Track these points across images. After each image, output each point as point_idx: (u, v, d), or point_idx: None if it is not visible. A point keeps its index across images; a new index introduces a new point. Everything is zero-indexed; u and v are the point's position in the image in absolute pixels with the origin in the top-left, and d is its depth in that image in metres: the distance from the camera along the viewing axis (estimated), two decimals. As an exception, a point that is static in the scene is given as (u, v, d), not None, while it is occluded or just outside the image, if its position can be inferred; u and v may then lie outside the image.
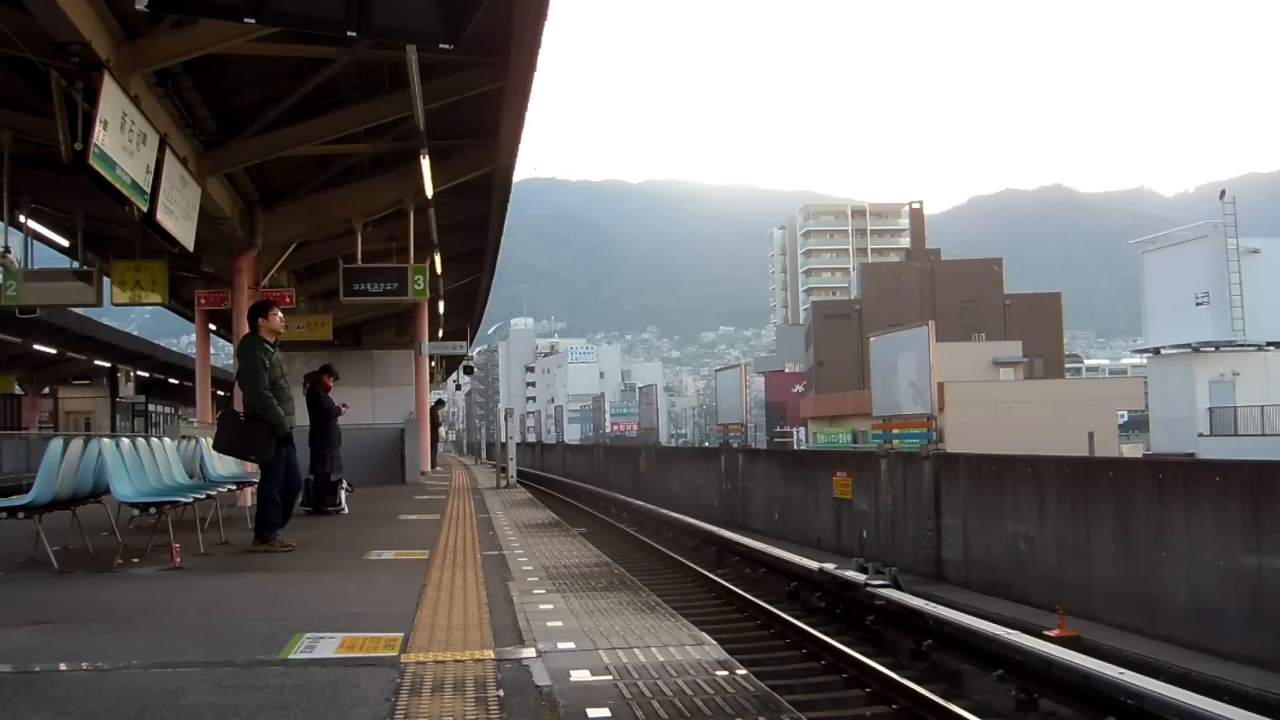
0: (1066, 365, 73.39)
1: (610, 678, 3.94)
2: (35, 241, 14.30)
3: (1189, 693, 6.84)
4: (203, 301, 15.87)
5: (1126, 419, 56.35)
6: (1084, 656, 7.84)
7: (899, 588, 10.91)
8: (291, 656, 4.24)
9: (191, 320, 18.98)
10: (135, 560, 7.28)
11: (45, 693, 3.70)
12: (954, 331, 55.36)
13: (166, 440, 9.23)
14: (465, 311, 29.93)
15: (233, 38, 8.52)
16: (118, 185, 7.57)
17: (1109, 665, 7.56)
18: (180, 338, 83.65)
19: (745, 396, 27.35)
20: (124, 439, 7.91)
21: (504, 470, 18.57)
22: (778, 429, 72.53)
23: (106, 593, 6.21)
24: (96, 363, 34.80)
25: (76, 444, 7.16)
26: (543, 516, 11.70)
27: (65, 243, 14.49)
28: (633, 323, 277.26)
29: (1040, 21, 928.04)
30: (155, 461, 8.12)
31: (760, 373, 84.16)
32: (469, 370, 54.56)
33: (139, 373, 37.68)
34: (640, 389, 77.82)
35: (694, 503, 24.92)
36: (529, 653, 4.33)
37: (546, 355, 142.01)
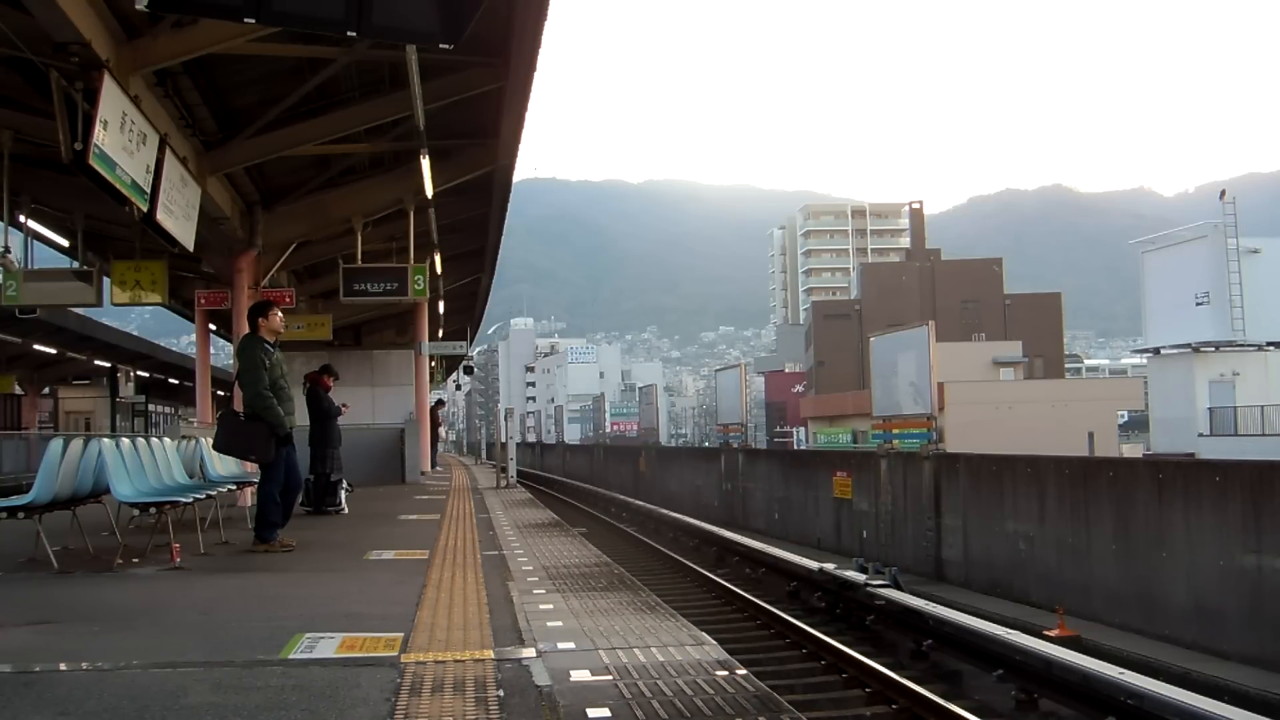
0: (1066, 365, 73.40)
1: (610, 678, 3.94)
2: (35, 241, 14.31)
3: (1189, 693, 6.84)
4: (203, 301, 15.87)
5: (1126, 419, 56.35)
6: (1084, 656, 7.84)
7: (899, 588, 10.91)
8: (291, 656, 4.24)
9: (191, 320, 18.98)
10: (135, 560, 7.28)
11: (45, 693, 3.70)
12: (954, 331, 55.36)
13: (166, 440, 9.23)
14: (465, 311, 29.93)
15: (233, 38, 8.52)
16: (118, 185, 7.57)
17: (1109, 665, 7.56)
18: (180, 338, 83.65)
19: (745, 396, 27.35)
20: (124, 439, 7.91)
21: (504, 470, 18.57)
22: (778, 429, 72.53)
23: (106, 593, 6.21)
24: (96, 363, 34.80)
25: (76, 444, 7.16)
26: (543, 516, 11.70)
27: (65, 243, 14.49)
28: (633, 323, 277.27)
29: (1040, 21, 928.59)
30: (155, 461, 8.12)
31: (760, 373, 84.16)
32: (469, 370, 54.55)
33: (139, 373, 37.69)
34: (640, 389, 77.82)
35: (694, 503, 24.92)
36: (529, 653, 4.33)
37: (546, 355, 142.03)
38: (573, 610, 5.39)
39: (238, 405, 8.36)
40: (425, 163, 11.98)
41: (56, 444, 6.94)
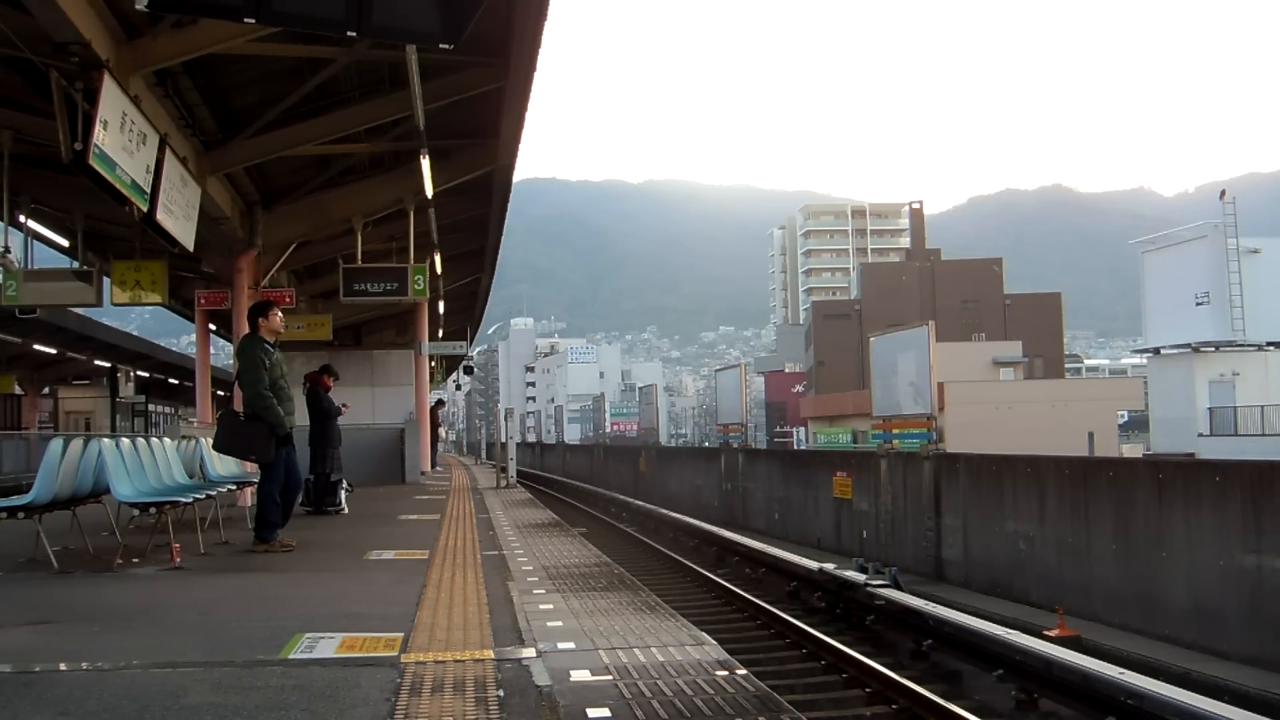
0: (1066, 365, 73.40)
1: (610, 678, 3.94)
2: (35, 241, 14.31)
3: (1189, 693, 6.84)
4: (203, 301, 15.87)
5: (1126, 419, 56.35)
6: (1084, 656, 7.84)
7: (899, 588, 10.90)
8: (291, 656, 4.24)
9: (191, 320, 18.98)
10: (135, 560, 7.28)
11: (45, 693, 3.70)
12: (954, 331, 55.36)
13: (166, 440, 9.23)
14: (465, 311, 29.93)
15: (233, 38, 8.52)
16: (118, 185, 7.58)
17: (1109, 665, 7.56)
18: (180, 338, 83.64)
19: (745, 396, 27.35)
20: (124, 439, 7.91)
21: (504, 470, 18.57)
22: (778, 429, 72.53)
23: (106, 593, 6.21)
24: (96, 363, 34.80)
25: (76, 444, 7.16)
26: (543, 516, 11.70)
27: (65, 243, 14.49)
28: (633, 323, 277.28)
29: (1040, 21, 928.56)
30: (155, 461, 8.12)
31: (760, 373, 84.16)
32: (469, 370, 54.55)
33: (139, 373, 37.68)
34: (640, 389, 77.79)
35: (694, 503, 24.92)
36: (529, 653, 4.33)
37: (546, 355, 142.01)
38: (573, 610, 5.39)
39: (238, 405, 8.36)
40: (425, 163, 11.98)
41: (56, 444, 6.94)
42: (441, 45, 4.65)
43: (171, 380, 41.18)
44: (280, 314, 8.46)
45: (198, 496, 7.91)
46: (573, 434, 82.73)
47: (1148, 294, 35.63)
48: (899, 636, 10.17)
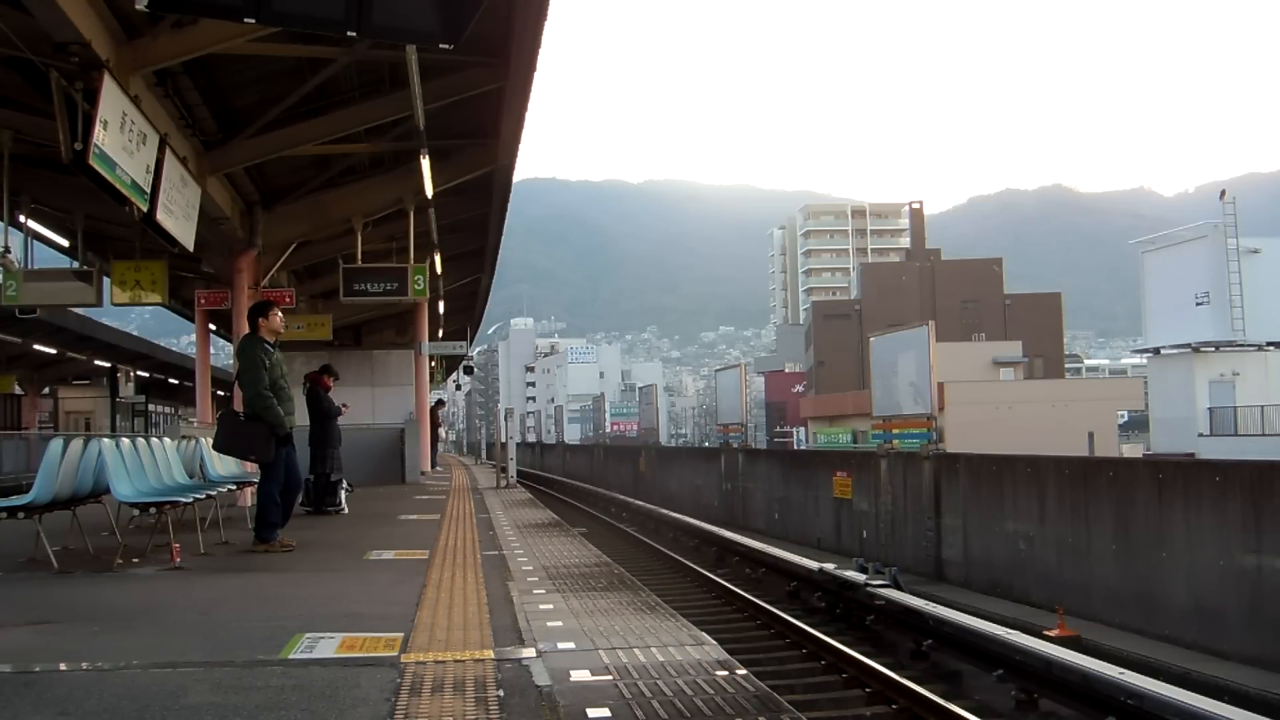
0: (1066, 365, 73.40)
1: (610, 678, 3.94)
2: (35, 241, 14.30)
3: (1189, 693, 6.84)
4: (203, 301, 15.87)
5: (1126, 419, 56.35)
6: (1084, 656, 7.84)
7: (899, 588, 10.90)
8: (291, 656, 4.24)
9: (191, 320, 18.98)
10: (135, 560, 7.28)
11: (45, 693, 3.70)
12: (954, 331, 55.36)
13: (166, 440, 9.23)
14: (465, 311, 29.93)
15: (233, 38, 8.52)
16: (118, 185, 7.57)
17: (1109, 665, 7.56)
18: (180, 338, 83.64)
19: (745, 396, 27.35)
20: (124, 439, 7.91)
21: (504, 470, 18.57)
22: (778, 429, 72.53)
23: (106, 593, 6.21)
24: (96, 363, 34.80)
25: (76, 444, 7.16)
26: (543, 516, 11.70)
27: (65, 243, 14.49)
28: (633, 323, 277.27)
29: (1040, 21, 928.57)
30: (155, 461, 8.12)
31: (760, 373, 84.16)
32: (469, 370, 54.55)
33: (139, 373, 37.68)
34: (640, 389, 77.80)
35: (694, 503, 24.92)
36: (529, 653, 4.33)
37: (546, 355, 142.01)
38: (573, 610, 5.39)
39: (238, 405, 8.36)
40: (425, 163, 11.98)
41: (56, 444, 6.94)
42: (441, 45, 4.65)
43: (171, 380, 41.18)
44: (280, 314, 8.46)
45: (198, 496, 7.91)
46: (573, 434, 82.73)
47: (1148, 294, 35.63)
48: (899, 636, 10.17)
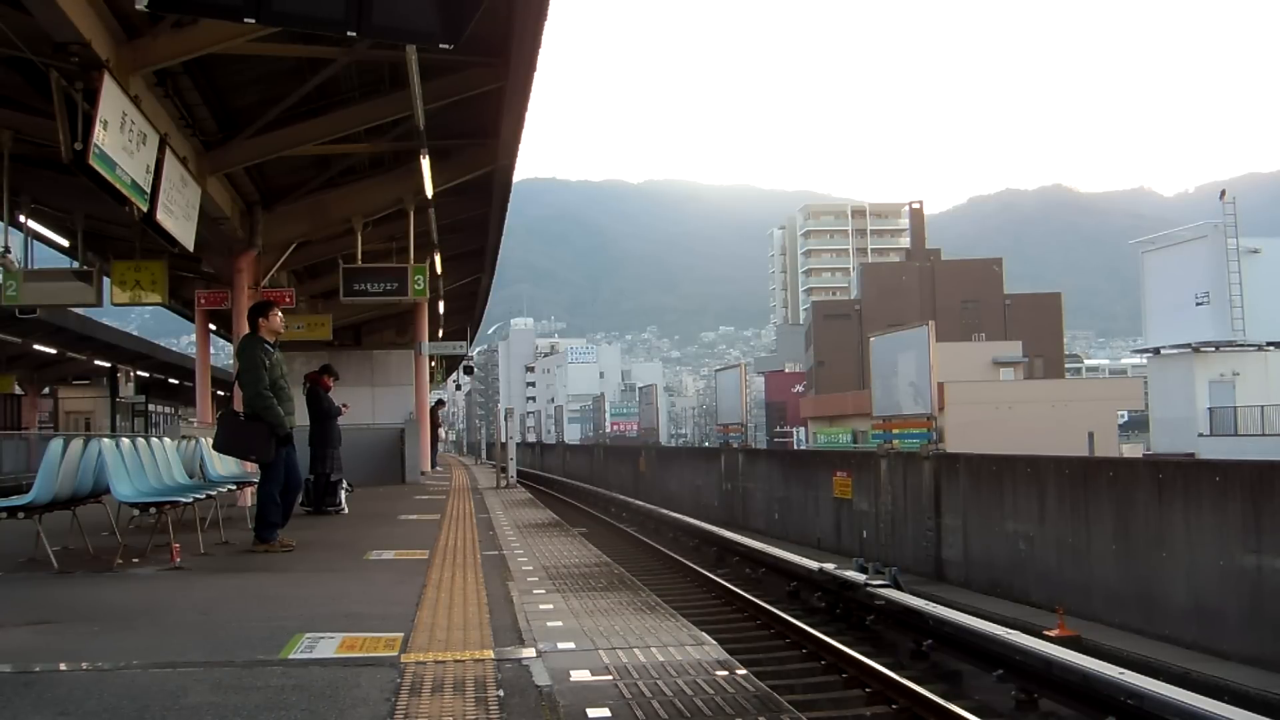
0: (1066, 365, 73.40)
1: (610, 678, 3.94)
2: (35, 241, 14.31)
3: (1189, 693, 6.84)
4: (203, 301, 15.87)
5: (1126, 419, 56.36)
6: (1084, 656, 7.84)
7: (899, 588, 10.90)
8: (291, 656, 4.24)
9: (191, 320, 18.98)
10: (135, 560, 7.28)
11: (45, 693, 3.70)
12: (954, 331, 55.37)
13: (166, 440, 9.23)
14: (465, 311, 29.93)
15: (233, 38, 8.52)
16: (118, 185, 7.57)
17: (1109, 665, 7.56)
18: (180, 338, 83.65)
19: (745, 396, 27.35)
20: (124, 439, 7.91)
21: (504, 470, 18.57)
22: (778, 429, 72.53)
23: (106, 593, 6.21)
24: (96, 363, 34.80)
25: (76, 444, 7.16)
26: (543, 516, 11.70)
27: (65, 243, 14.49)
28: (633, 323, 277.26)
29: (1040, 21, 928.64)
30: (155, 461, 8.12)
31: (760, 373, 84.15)
32: (469, 370, 54.55)
33: (139, 373, 37.68)
34: (640, 389, 77.79)
35: (694, 503, 24.91)
36: (529, 653, 4.33)
37: (546, 355, 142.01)
38: (573, 610, 5.39)
39: (238, 405, 8.36)
40: (425, 163, 11.98)
41: (56, 444, 6.94)
42: (441, 45, 4.65)
43: (171, 380, 41.18)
44: (280, 314, 8.46)
45: (198, 496, 7.91)
46: (573, 434, 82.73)
47: (1148, 294, 35.63)
48: (899, 636, 10.17)
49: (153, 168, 8.42)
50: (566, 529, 10.27)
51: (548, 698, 3.64)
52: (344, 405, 12.64)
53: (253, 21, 4.84)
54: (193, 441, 9.87)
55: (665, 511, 22.49)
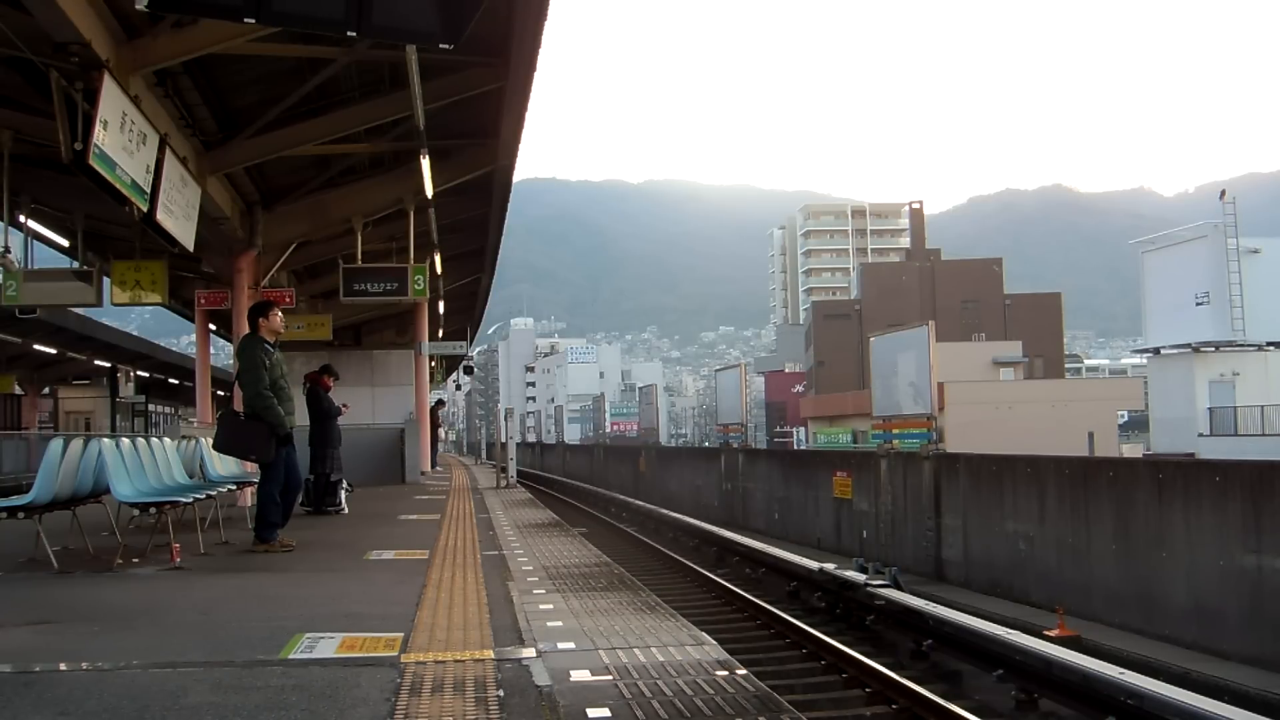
0: (1066, 365, 73.40)
1: (610, 678, 3.94)
2: (35, 241, 14.31)
3: (1189, 693, 6.84)
4: (203, 301, 15.87)
5: (1126, 419, 56.36)
6: (1084, 656, 7.84)
7: (899, 588, 10.90)
8: (291, 656, 4.24)
9: (191, 320, 18.98)
10: (135, 560, 7.28)
11: (45, 693, 3.70)
12: (954, 331, 55.37)
13: (166, 440, 9.23)
14: (465, 311, 29.93)
15: (233, 38, 8.52)
16: (118, 185, 7.57)
17: (1109, 665, 7.56)
18: (180, 338, 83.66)
19: (745, 396, 27.35)
20: (124, 439, 7.91)
21: (504, 470, 18.58)
22: (778, 429, 72.53)
23: (106, 593, 6.21)
24: (96, 363, 34.80)
25: (76, 444, 7.15)
26: (543, 516, 11.70)
27: (65, 243, 14.49)
28: (633, 323, 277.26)
29: (1040, 21, 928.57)
30: (155, 461, 8.12)
31: (760, 373, 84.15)
32: (469, 370, 54.56)
33: (139, 373, 37.68)
34: (640, 389, 77.80)
35: (694, 503, 24.91)
36: (529, 653, 4.33)
37: (546, 355, 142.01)
38: (573, 610, 5.39)
39: (238, 405, 8.36)
40: (425, 163, 11.98)
41: (56, 444, 6.94)
42: (441, 45, 4.65)
43: (171, 380, 41.18)
44: (280, 314, 8.47)
45: (198, 496, 7.91)
46: (573, 434, 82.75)
47: (1148, 294, 35.63)
48: (899, 636, 10.17)
49: (153, 168, 8.42)
50: (566, 529, 10.27)
51: (548, 698, 3.64)
52: (344, 405, 12.64)
53: (253, 21, 4.84)
54: (193, 441, 9.87)
55: (665, 511, 22.49)
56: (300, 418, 9.22)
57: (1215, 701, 6.68)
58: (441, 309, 23.79)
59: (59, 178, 10.74)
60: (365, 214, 14.59)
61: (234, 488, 10.38)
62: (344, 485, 11.91)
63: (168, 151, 8.82)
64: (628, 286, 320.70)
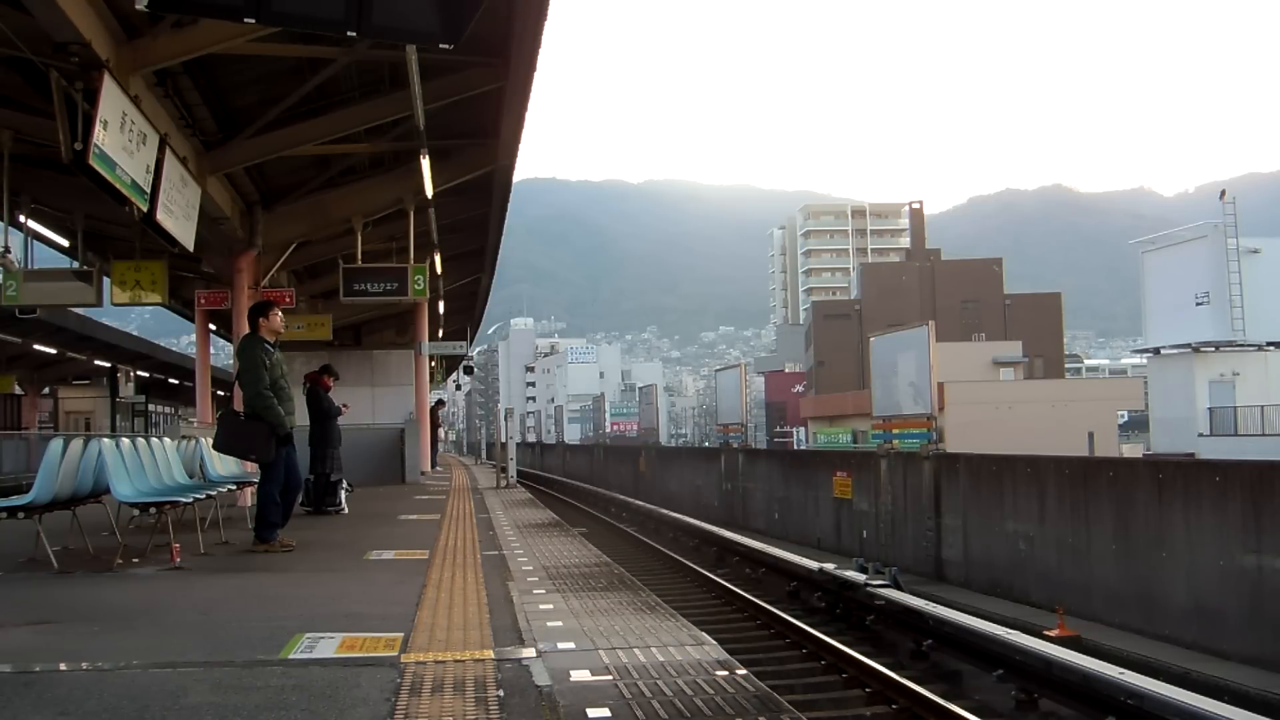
0: (1066, 365, 73.39)
1: (610, 678, 3.94)
2: (35, 241, 14.31)
3: (1189, 693, 6.84)
4: (203, 301, 15.87)
5: (1126, 419, 56.36)
6: (1084, 656, 7.84)
7: (899, 588, 10.90)
8: (291, 656, 4.24)
9: (191, 320, 18.98)
10: (135, 560, 7.28)
11: (45, 693, 3.70)
12: (954, 331, 55.37)
13: (166, 440, 9.23)
14: (465, 311, 29.93)
15: (233, 38, 8.52)
16: (118, 185, 7.57)
17: (1109, 665, 7.56)
18: (180, 338, 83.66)
19: (745, 396, 27.35)
20: (124, 439, 7.91)
21: (504, 470, 18.58)
22: (778, 429, 72.53)
23: (106, 593, 6.21)
24: (96, 363, 34.80)
25: (76, 444, 7.15)
26: (543, 516, 11.70)
27: (65, 243, 14.49)
28: (633, 323, 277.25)
29: (1040, 21, 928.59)
30: (155, 461, 8.12)
31: (760, 373, 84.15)
32: (469, 370, 54.56)
33: (139, 373, 37.68)
34: (640, 389, 77.80)
35: (694, 503, 24.91)
36: (529, 653, 4.33)
37: (546, 355, 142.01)
38: (573, 610, 5.39)
39: (238, 405, 8.36)
40: (425, 163, 11.98)
41: (56, 444, 6.94)
42: (441, 45, 4.65)
43: (171, 380, 41.18)
44: (280, 314, 8.47)
45: (198, 496, 7.91)
46: (573, 434, 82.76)
47: (1148, 294, 35.63)
48: (899, 636, 10.17)
49: (153, 168, 8.42)
50: (566, 529, 10.27)
51: (548, 698, 3.64)
52: (344, 405, 12.64)
53: (253, 21, 4.84)
54: (193, 441, 9.87)
55: (665, 511, 22.49)
56: (300, 418, 9.22)
57: (1215, 701, 6.68)
58: (441, 309, 23.79)
59: (59, 178, 10.74)
60: (365, 214, 14.59)
61: (234, 488, 10.38)
62: (344, 485, 11.91)
63: (168, 151, 8.82)
64: (628, 286, 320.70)
